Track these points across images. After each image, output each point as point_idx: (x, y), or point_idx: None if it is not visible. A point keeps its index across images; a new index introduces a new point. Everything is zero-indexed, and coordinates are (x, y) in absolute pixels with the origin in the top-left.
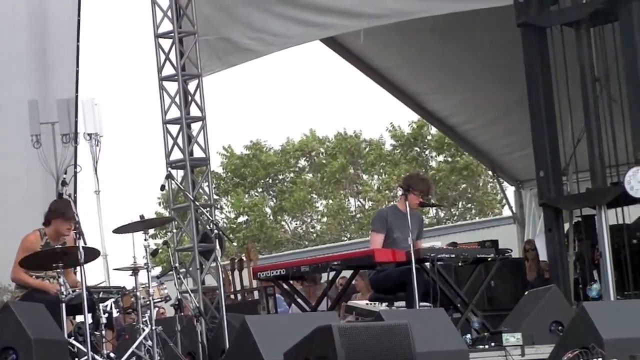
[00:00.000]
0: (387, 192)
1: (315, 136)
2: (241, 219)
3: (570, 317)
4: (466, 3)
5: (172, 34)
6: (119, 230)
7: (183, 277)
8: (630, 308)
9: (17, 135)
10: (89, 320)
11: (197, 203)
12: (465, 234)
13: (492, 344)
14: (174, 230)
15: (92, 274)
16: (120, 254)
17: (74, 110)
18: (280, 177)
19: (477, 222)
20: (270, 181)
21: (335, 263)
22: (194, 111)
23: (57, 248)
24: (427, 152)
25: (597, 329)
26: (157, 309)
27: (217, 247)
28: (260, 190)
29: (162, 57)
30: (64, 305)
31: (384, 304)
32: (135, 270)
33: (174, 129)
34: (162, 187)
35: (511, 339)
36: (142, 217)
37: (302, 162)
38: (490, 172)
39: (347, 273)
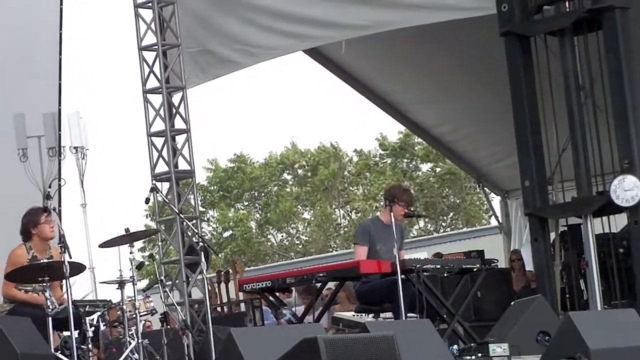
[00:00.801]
0: (371, 201)
1: (296, 149)
2: (227, 233)
3: (557, 327)
4: (447, 13)
5: (156, 47)
6: (105, 244)
7: (169, 289)
8: (617, 318)
9: (2, 149)
10: (75, 334)
11: (183, 215)
12: (452, 244)
13: (479, 354)
14: (160, 243)
15: (78, 288)
16: (106, 266)
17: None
18: (265, 189)
19: (463, 232)
20: (256, 194)
21: (321, 275)
22: (179, 123)
23: (43, 262)
24: (414, 162)
25: (583, 339)
26: (143, 322)
27: (203, 259)
28: (246, 203)
29: (147, 69)
30: (50, 319)
31: (370, 316)
32: (121, 284)
33: (158, 141)
34: (147, 200)
35: (498, 349)
36: (127, 230)
37: (285, 175)
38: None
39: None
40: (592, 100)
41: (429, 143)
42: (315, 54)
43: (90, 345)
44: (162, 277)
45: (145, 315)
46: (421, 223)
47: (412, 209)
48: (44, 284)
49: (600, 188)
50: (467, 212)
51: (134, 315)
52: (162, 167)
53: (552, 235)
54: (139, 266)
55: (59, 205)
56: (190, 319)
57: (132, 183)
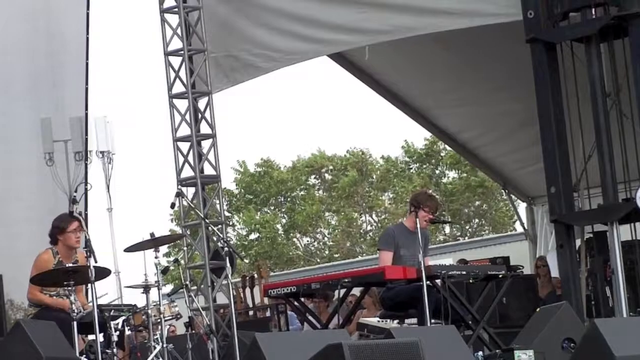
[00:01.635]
0: (400, 204)
1: (323, 154)
2: (253, 236)
3: (582, 334)
4: (472, 19)
5: (182, 52)
6: (130, 249)
7: (194, 294)
8: None
9: (29, 153)
10: (100, 338)
11: (208, 220)
12: (477, 250)
13: None
14: (185, 248)
15: (104, 294)
16: (132, 271)
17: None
18: (292, 194)
19: (489, 239)
20: (282, 198)
21: (346, 280)
22: (204, 128)
23: (69, 267)
24: (440, 168)
25: (609, 346)
26: (168, 326)
27: (228, 264)
28: (272, 207)
29: (172, 74)
30: (75, 323)
31: (394, 322)
32: (146, 288)
33: (184, 146)
34: (172, 205)
35: (523, 356)
36: (152, 235)
37: (312, 180)
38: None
39: (357, 290)
40: (618, 107)
41: (454, 149)
42: (341, 59)
43: (115, 350)
44: (187, 282)
45: (170, 319)
46: (447, 229)
47: (437, 214)
48: (69, 289)
49: (627, 195)
50: (493, 218)
51: (159, 320)
52: (187, 172)
53: (578, 242)
54: (164, 271)
55: (85, 209)
56: (215, 324)
57: (157, 188)
